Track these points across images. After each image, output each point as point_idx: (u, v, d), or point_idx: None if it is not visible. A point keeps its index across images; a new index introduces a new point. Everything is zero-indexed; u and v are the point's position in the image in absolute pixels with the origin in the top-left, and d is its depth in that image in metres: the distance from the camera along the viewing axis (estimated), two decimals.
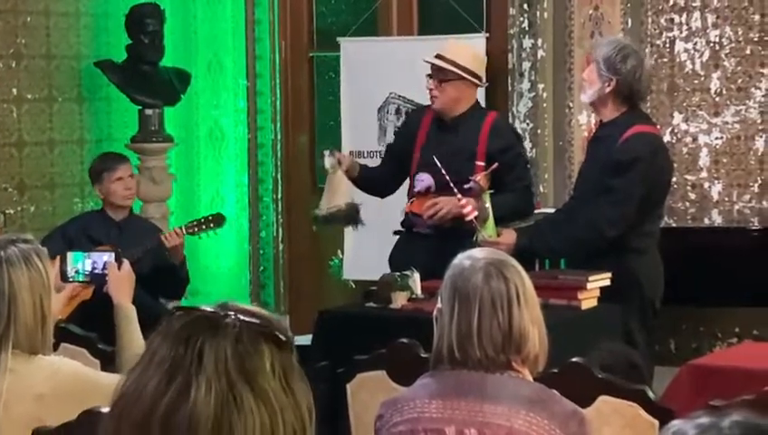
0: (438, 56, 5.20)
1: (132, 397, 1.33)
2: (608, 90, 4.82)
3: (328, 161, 5.21)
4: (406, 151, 5.33)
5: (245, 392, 1.32)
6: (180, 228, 5.85)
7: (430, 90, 5.20)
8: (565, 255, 5.06)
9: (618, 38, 5.46)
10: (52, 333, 3.17)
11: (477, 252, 2.83)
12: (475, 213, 4.85)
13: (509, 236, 4.87)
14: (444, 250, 3.15)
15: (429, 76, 5.21)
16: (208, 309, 1.39)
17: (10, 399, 2.97)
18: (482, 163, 5.11)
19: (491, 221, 4.86)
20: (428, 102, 5.34)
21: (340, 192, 5.22)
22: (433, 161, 5.04)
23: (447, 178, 4.89)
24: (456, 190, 4.91)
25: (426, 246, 5.05)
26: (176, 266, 5.81)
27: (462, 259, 2.76)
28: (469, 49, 5.39)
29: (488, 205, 4.87)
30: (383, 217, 5.58)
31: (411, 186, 5.29)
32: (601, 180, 4.78)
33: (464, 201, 4.89)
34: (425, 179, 5.15)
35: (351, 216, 5.28)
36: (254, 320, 1.37)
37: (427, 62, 5.22)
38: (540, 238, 4.95)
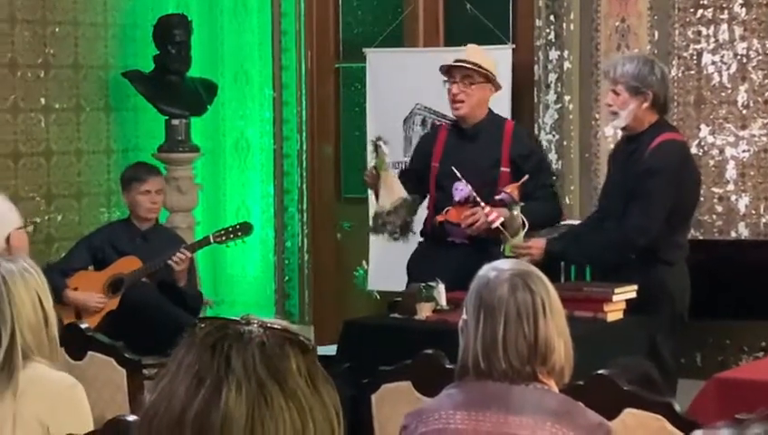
0: (461, 60, 5.18)
1: (163, 403, 1.33)
2: (645, 105, 4.80)
3: (386, 149, 5.15)
4: (423, 169, 5.30)
5: (275, 392, 1.32)
6: (202, 241, 5.87)
7: (455, 95, 5.15)
8: (596, 261, 5.02)
9: (633, 53, 5.40)
10: (58, 340, 3.12)
11: (503, 263, 2.83)
12: (501, 219, 4.84)
13: (538, 241, 4.87)
14: (478, 260, 3.12)
15: (453, 82, 5.16)
16: (231, 319, 1.40)
17: (18, 419, 2.97)
18: (507, 169, 5.10)
19: (521, 234, 4.84)
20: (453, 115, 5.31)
21: (397, 187, 5.14)
22: (455, 170, 5.03)
23: (470, 187, 4.88)
24: (478, 199, 4.90)
25: (458, 255, 5.01)
26: (181, 290, 5.80)
27: (487, 270, 2.76)
28: (487, 54, 5.36)
29: (519, 217, 4.85)
30: None
31: (433, 198, 5.25)
32: (630, 190, 4.76)
33: (488, 209, 4.89)
34: (463, 189, 5.08)
35: (413, 210, 5.17)
36: (277, 327, 1.38)
37: (457, 63, 5.17)
38: (571, 244, 4.94)
